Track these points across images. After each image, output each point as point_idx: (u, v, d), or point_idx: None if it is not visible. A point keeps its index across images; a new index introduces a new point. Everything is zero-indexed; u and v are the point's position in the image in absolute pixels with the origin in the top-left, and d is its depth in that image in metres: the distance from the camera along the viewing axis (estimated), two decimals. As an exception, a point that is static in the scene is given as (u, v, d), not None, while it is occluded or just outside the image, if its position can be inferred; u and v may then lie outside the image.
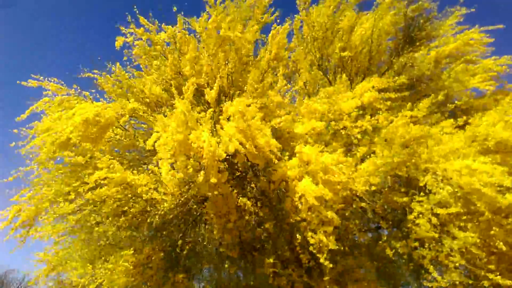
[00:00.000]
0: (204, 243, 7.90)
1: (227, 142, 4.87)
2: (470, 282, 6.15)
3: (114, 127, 7.04)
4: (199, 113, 5.87)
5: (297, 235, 5.72)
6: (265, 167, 6.49)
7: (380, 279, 9.60)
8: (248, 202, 5.84)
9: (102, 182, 5.40)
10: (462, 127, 7.46)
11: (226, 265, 7.53)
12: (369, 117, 6.68)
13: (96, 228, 5.70)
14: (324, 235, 5.38)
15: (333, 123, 6.99)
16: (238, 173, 7.12)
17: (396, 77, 7.23)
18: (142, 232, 6.44)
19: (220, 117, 5.62)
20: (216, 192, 5.62)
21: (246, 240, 6.68)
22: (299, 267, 7.32)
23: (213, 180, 4.87)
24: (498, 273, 5.72)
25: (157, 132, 5.19)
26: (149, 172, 5.89)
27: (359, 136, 6.50)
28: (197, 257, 7.81)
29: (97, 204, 5.70)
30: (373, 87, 6.90)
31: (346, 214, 8.25)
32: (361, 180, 5.95)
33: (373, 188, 6.17)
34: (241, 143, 5.02)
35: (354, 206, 6.12)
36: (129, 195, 5.64)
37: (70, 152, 6.48)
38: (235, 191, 6.03)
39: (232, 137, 4.99)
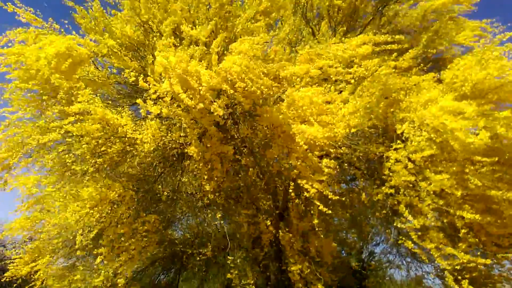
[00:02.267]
0: (182, 190, 7.85)
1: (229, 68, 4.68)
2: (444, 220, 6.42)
3: (86, 65, 6.60)
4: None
5: (290, 182, 5.70)
6: (248, 114, 6.33)
7: (352, 227, 10.04)
8: (231, 149, 5.71)
9: (81, 118, 5.11)
10: (441, 81, 7.55)
11: (208, 212, 7.56)
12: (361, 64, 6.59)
13: (73, 166, 5.41)
14: (317, 184, 5.46)
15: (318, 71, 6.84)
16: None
17: (396, 36, 7.13)
18: (119, 173, 6.26)
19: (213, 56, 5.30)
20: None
21: (225, 188, 6.63)
22: (270, 217, 7.46)
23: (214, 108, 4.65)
24: (473, 212, 5.98)
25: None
26: (129, 112, 5.62)
27: (352, 81, 6.41)
28: (173, 203, 7.76)
29: (75, 142, 5.39)
30: (369, 41, 6.78)
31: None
32: (341, 125, 5.90)
33: (353, 130, 6.12)
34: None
35: (333, 152, 6.11)
36: (109, 134, 5.36)
37: (38, 85, 6.06)
38: (216, 138, 5.86)
39: (231, 69, 4.80)
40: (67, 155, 5.44)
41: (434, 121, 6.10)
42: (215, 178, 5.70)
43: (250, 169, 5.59)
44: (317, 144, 5.45)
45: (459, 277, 6.36)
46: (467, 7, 9.05)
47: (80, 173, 5.57)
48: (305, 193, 5.55)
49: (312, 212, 7.35)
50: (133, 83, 7.64)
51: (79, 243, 5.70)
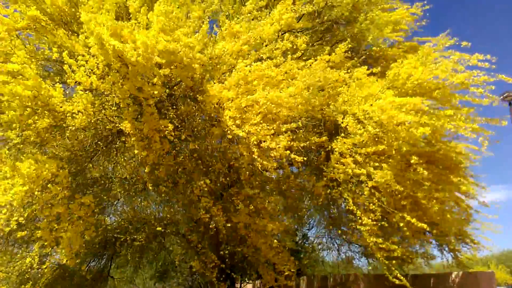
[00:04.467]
0: (117, 173, 7.54)
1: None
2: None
3: (12, 38, 6.02)
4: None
5: (254, 149, 5.72)
6: (187, 96, 6.23)
7: (287, 212, 10.35)
8: (170, 125, 5.57)
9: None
10: (375, 74, 8.02)
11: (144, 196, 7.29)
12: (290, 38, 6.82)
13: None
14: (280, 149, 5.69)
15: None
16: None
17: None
18: (49, 149, 5.83)
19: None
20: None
21: (164, 169, 6.46)
22: (216, 200, 7.43)
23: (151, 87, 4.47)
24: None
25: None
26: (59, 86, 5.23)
27: (281, 59, 6.56)
28: (107, 186, 7.43)
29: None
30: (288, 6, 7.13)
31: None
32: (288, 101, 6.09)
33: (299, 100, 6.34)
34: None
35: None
36: (39, 105, 4.93)
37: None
38: (154, 114, 5.69)
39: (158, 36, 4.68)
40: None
41: (382, 115, 6.49)
42: (154, 155, 5.51)
43: (190, 144, 5.47)
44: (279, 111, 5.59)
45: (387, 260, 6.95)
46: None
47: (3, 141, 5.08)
48: (260, 164, 5.71)
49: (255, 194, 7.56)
50: (62, 61, 7.17)
51: (13, 224, 5.21)
